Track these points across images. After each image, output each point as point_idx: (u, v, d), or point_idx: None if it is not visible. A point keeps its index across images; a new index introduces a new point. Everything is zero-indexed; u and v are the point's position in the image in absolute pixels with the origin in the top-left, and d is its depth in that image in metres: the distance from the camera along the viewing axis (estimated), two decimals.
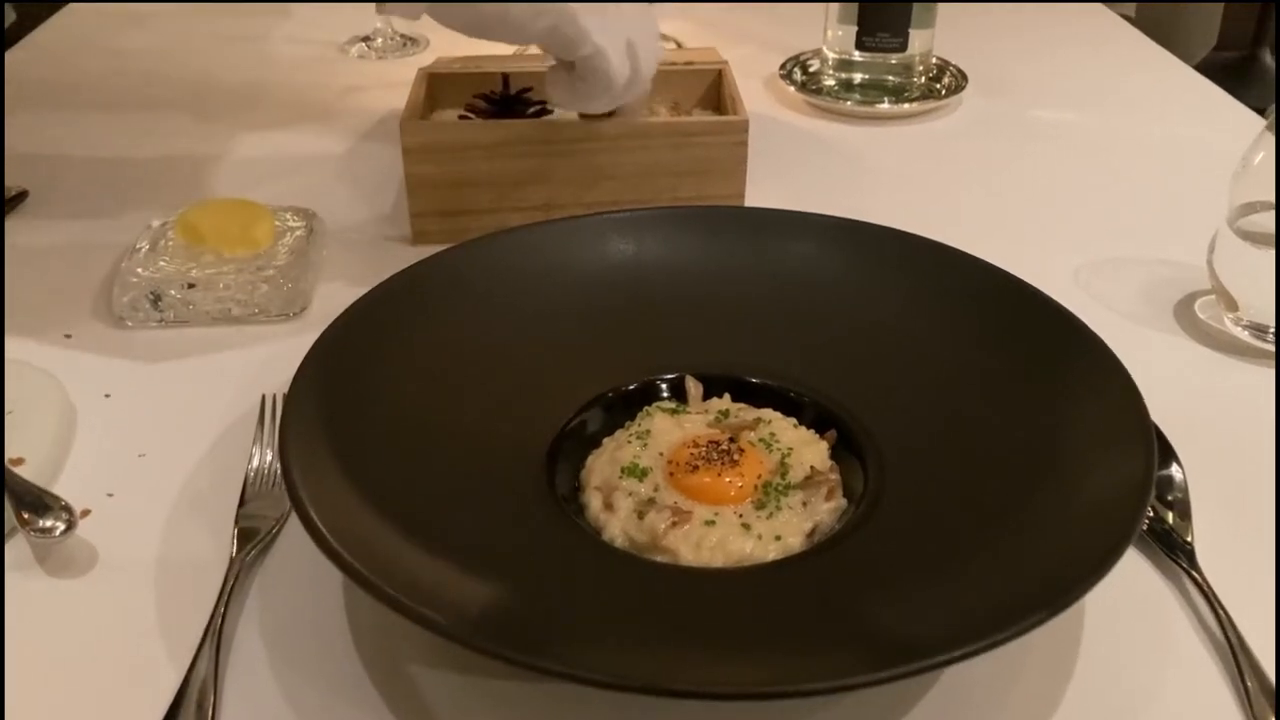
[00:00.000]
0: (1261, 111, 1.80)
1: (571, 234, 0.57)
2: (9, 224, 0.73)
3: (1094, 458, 0.44)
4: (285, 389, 0.47)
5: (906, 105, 0.91)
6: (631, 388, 0.53)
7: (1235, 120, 0.93)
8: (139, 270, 0.63)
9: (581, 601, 0.40)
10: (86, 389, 0.57)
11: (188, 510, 0.50)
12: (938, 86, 0.95)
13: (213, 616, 0.43)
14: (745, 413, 0.51)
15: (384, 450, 0.45)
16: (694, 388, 0.53)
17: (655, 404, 0.52)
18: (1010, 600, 0.38)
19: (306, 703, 0.41)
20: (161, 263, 0.64)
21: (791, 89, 0.94)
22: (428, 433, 0.48)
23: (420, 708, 0.41)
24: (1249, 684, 0.41)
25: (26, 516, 0.46)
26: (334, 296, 0.65)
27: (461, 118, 0.74)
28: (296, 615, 0.45)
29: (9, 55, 1.02)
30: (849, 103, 0.91)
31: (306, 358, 0.47)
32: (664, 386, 0.53)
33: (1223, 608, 0.44)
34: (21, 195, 0.75)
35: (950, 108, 0.93)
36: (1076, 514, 0.41)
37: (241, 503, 0.49)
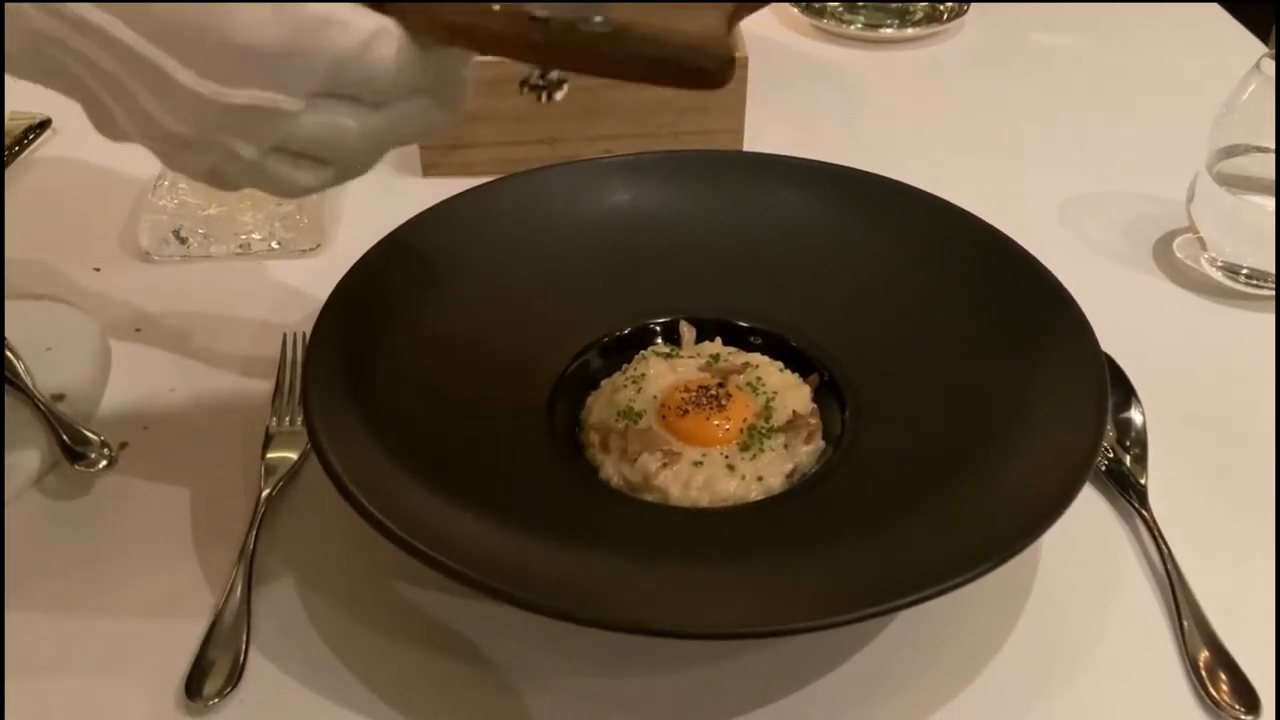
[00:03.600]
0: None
1: (571, 180, 0.60)
2: (35, 153, 0.76)
3: (1051, 412, 0.47)
4: (304, 324, 0.50)
5: (909, 30, 0.92)
6: (628, 331, 0.56)
7: (1246, 49, 0.93)
8: (161, 205, 0.66)
9: (575, 539, 0.44)
10: (118, 324, 0.61)
11: (218, 444, 0.54)
12: (940, 9, 0.95)
13: (244, 544, 0.48)
14: (735, 357, 0.55)
15: (395, 395, 0.49)
16: (687, 332, 0.56)
17: (650, 348, 0.55)
18: (965, 546, 0.42)
19: (329, 622, 0.46)
20: (183, 198, 0.67)
21: (796, 10, 0.95)
22: (436, 376, 0.51)
23: (433, 628, 0.46)
24: (1185, 621, 0.45)
25: (71, 452, 0.51)
26: (349, 231, 0.68)
27: None
28: (319, 542, 0.49)
29: None
30: (853, 26, 0.92)
31: (321, 314, 0.50)
32: (658, 330, 0.56)
33: (1167, 545, 0.48)
34: (45, 124, 0.77)
35: (952, 31, 0.94)
36: (1029, 467, 0.45)
37: (267, 438, 0.53)
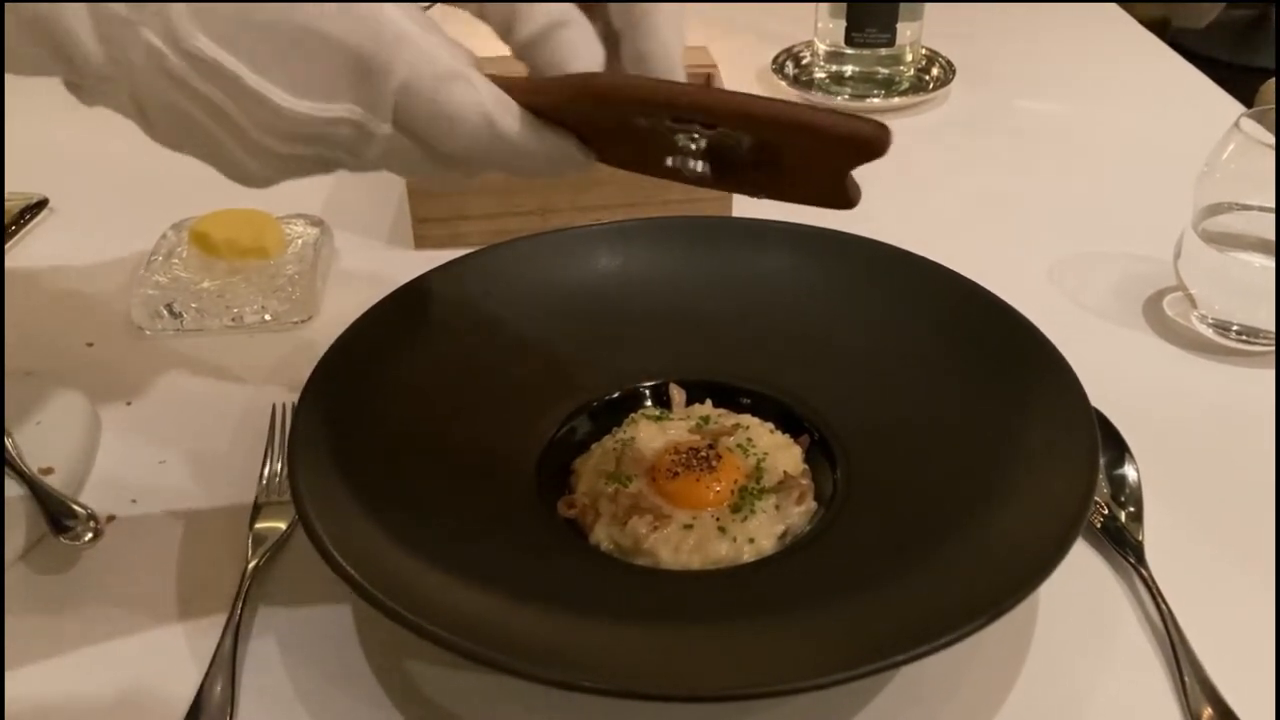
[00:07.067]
0: (1266, 73, 1.79)
1: (560, 246, 0.60)
2: (32, 233, 0.77)
3: (1041, 468, 0.47)
4: (293, 395, 0.51)
5: (895, 99, 0.94)
6: (617, 395, 0.56)
7: (1223, 110, 0.95)
8: (155, 280, 0.67)
9: (566, 605, 0.44)
10: (109, 397, 0.61)
11: (206, 515, 0.54)
12: (926, 78, 0.97)
13: (230, 616, 0.47)
14: (725, 418, 0.55)
15: (384, 462, 0.49)
16: (677, 394, 0.56)
17: (641, 410, 0.55)
18: (960, 602, 0.41)
19: (316, 695, 0.45)
20: (176, 273, 0.67)
21: (784, 84, 0.96)
22: (425, 443, 0.51)
23: (421, 700, 0.45)
24: (1186, 678, 0.44)
25: (57, 525, 0.50)
26: (342, 302, 0.68)
27: None
28: (306, 614, 0.49)
29: None
30: (840, 98, 0.94)
31: (308, 382, 0.50)
32: (648, 393, 0.56)
33: (1166, 603, 0.47)
34: (42, 203, 0.78)
35: (938, 100, 0.96)
36: (1022, 522, 0.44)
37: (255, 508, 0.53)
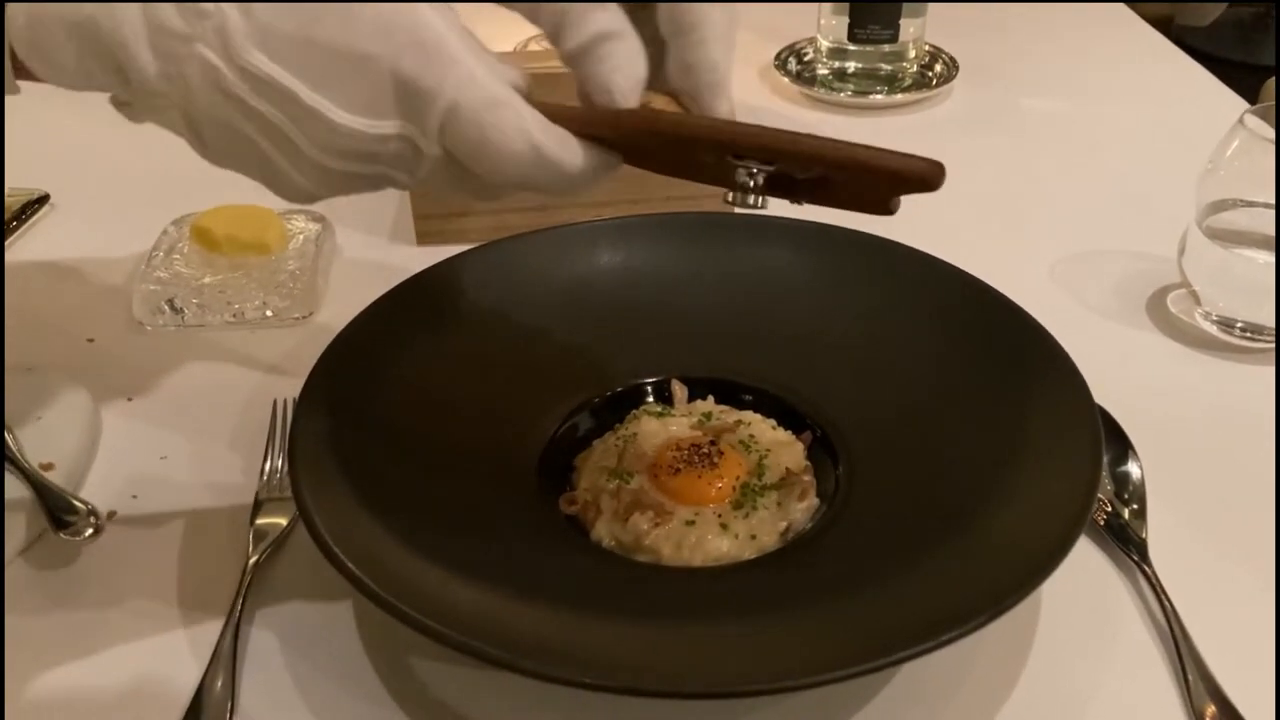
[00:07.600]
0: (1270, 71, 1.79)
1: (561, 242, 0.60)
2: (33, 229, 0.77)
3: (1045, 464, 0.47)
4: (294, 391, 0.50)
5: (898, 96, 0.93)
6: (619, 390, 0.56)
7: (1228, 107, 0.94)
8: (156, 275, 0.67)
9: (567, 602, 0.43)
10: (110, 393, 0.61)
11: (207, 511, 0.53)
12: (929, 75, 0.97)
13: (230, 612, 0.47)
14: (727, 415, 0.55)
15: (384, 459, 0.49)
16: (679, 390, 0.56)
17: (642, 407, 0.55)
18: (963, 598, 0.41)
19: (316, 691, 0.45)
20: (177, 268, 0.67)
21: (786, 80, 0.96)
22: (426, 439, 0.51)
23: (421, 696, 0.45)
24: (1189, 675, 0.44)
25: (57, 521, 0.50)
26: (343, 298, 0.68)
27: None
28: (306, 609, 0.48)
29: None
30: (843, 94, 0.94)
31: (309, 378, 0.50)
32: (650, 389, 0.56)
33: (1169, 601, 0.47)
34: (43, 199, 0.78)
35: (941, 97, 0.96)
36: (1026, 519, 0.44)
37: (256, 504, 0.53)
